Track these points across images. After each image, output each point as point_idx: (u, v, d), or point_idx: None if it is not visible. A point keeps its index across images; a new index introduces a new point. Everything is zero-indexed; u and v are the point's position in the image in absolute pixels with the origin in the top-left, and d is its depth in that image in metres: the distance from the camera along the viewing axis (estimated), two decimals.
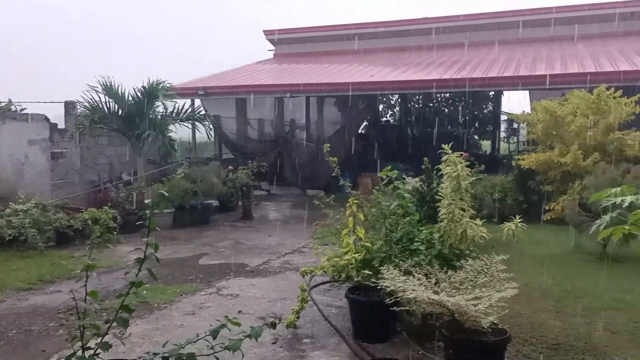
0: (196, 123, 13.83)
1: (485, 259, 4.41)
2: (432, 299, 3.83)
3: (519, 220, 5.19)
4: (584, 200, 8.15)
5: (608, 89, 10.21)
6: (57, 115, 12.68)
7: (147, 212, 2.92)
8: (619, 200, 3.65)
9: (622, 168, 9.00)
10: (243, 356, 3.17)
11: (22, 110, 12.37)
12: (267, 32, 21.85)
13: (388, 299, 4.16)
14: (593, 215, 7.22)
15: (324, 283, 6.06)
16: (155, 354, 2.79)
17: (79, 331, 2.68)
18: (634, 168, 8.98)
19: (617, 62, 13.22)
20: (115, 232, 9.27)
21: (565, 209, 8.67)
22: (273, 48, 22.14)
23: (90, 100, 11.52)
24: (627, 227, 3.91)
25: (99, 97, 11.53)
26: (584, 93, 10.32)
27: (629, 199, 3.58)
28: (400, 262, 4.69)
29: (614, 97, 10.10)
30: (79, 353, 2.66)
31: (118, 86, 11.45)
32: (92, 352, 2.68)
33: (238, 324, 2.91)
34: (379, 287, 4.39)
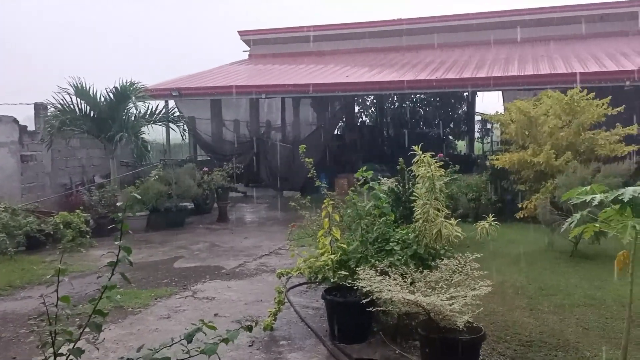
0: (170, 125, 13.70)
1: (460, 258, 4.46)
2: (408, 299, 3.85)
3: (493, 219, 5.26)
4: (556, 199, 8.30)
5: (581, 90, 10.42)
6: (27, 117, 12.43)
7: (120, 215, 2.88)
8: (589, 198, 3.72)
9: (593, 167, 9.20)
10: None
11: None
12: (242, 33, 21.72)
13: (364, 300, 4.17)
14: (565, 214, 7.36)
15: (300, 285, 6.05)
16: (129, 359, 2.75)
17: (50, 337, 2.62)
18: (604, 167, 9.18)
19: (587, 63, 13.51)
20: (88, 236, 9.11)
21: (538, 207, 8.82)
22: (248, 49, 22.04)
23: (61, 101, 11.33)
24: (597, 225, 4.00)
25: (70, 98, 11.35)
26: (558, 94, 10.51)
27: (598, 197, 3.65)
28: (377, 262, 4.71)
29: (587, 99, 10.31)
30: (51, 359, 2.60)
31: (89, 87, 11.27)
32: (64, 358, 2.62)
33: (214, 328, 2.88)
34: (355, 288, 4.40)
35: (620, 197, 3.48)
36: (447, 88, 14.71)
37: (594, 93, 10.45)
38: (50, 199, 11.51)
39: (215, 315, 5.53)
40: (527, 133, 10.60)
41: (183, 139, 14.23)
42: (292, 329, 5.11)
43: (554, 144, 10.06)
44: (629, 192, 3.48)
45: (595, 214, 4.03)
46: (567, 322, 5.05)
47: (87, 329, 2.73)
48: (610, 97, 10.37)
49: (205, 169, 13.19)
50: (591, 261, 7.40)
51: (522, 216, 9.93)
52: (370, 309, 4.14)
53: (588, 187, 3.91)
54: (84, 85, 11.21)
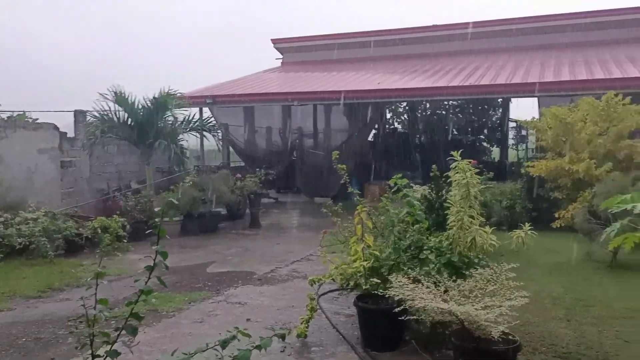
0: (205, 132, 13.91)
1: (494, 267, 4.39)
2: (441, 308, 3.81)
3: (529, 227, 5.15)
4: (594, 207, 8.09)
5: (616, 95, 10.14)
6: (66, 125, 12.80)
7: (157, 220, 2.94)
8: (629, 207, 3.62)
9: (633, 175, 8.93)
10: None
11: (34, 120, 12.45)
12: (274, 41, 21.95)
13: (396, 308, 4.14)
14: (603, 223, 7.16)
15: (332, 291, 6.04)
16: None
17: (88, 339, 2.68)
18: None
19: (626, 68, 13.16)
20: (124, 240, 9.32)
21: (576, 216, 8.61)
22: (281, 56, 22.23)
23: (100, 109, 11.65)
24: (638, 234, 3.88)
25: (109, 106, 11.66)
26: (593, 100, 10.25)
27: (639, 206, 3.55)
28: (409, 270, 4.67)
29: (623, 104, 10.04)
30: None
31: (128, 95, 11.56)
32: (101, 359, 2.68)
33: (248, 335, 2.91)
34: (387, 295, 4.37)
35: None
36: (481, 94, 14.55)
37: (630, 98, 10.14)
38: (88, 203, 11.81)
39: (248, 320, 5.56)
40: (563, 140, 10.37)
41: (219, 149, 14.44)
42: (323, 335, 5.10)
43: (592, 152, 9.81)
44: None
45: (635, 223, 3.92)
46: (606, 334, 4.91)
47: (123, 332, 2.79)
48: None
49: (238, 175, 13.32)
50: (631, 272, 7.20)
51: (558, 226, 9.69)
52: (403, 317, 4.10)
53: (628, 196, 3.81)
54: (123, 93, 11.50)
